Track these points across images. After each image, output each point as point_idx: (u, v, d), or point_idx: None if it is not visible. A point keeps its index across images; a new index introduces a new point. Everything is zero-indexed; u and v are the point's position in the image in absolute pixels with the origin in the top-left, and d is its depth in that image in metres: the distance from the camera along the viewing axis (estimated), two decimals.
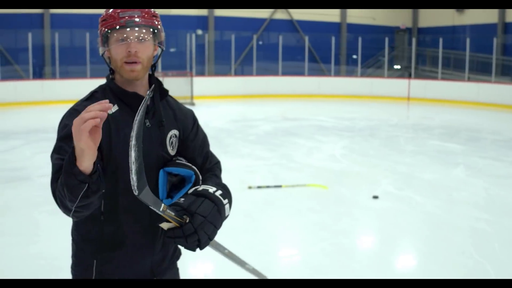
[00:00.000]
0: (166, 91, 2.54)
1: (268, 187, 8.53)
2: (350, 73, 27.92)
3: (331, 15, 29.05)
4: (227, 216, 2.32)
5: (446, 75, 25.60)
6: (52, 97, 21.00)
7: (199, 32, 26.34)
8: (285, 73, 26.21)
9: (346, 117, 17.79)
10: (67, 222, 6.82)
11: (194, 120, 2.66)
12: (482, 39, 25.28)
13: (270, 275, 5.27)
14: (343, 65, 28.90)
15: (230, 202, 2.35)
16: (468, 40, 24.17)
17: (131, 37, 2.32)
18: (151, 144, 2.38)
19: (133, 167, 1.90)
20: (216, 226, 2.24)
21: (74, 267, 2.53)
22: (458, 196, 8.44)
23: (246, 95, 24.21)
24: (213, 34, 26.92)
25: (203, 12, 26.66)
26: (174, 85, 21.00)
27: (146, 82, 2.47)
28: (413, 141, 13.76)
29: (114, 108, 1.76)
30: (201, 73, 25.65)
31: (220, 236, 6.63)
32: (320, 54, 27.31)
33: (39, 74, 23.84)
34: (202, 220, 2.17)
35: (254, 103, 22.23)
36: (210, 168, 2.64)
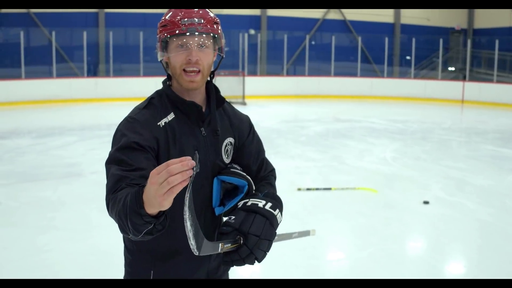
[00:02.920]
0: (223, 100, 2.48)
1: (317, 189, 8.48)
2: (403, 75, 27.63)
3: (384, 15, 28.77)
4: (280, 222, 2.27)
5: (502, 78, 25.10)
6: (106, 95, 21.36)
7: (252, 31, 26.39)
8: (338, 73, 26.08)
9: (398, 119, 17.60)
10: None
11: (250, 126, 2.61)
12: None
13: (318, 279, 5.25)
14: (396, 66, 28.61)
15: (281, 211, 2.30)
16: None
17: (192, 44, 2.27)
18: (207, 153, 2.36)
19: (190, 235, 1.85)
20: (271, 239, 2.19)
21: (129, 277, 2.51)
22: (511, 203, 8.25)
23: (298, 95, 24.18)
24: (265, 34, 26.94)
25: (256, 12, 26.70)
26: (226, 85, 21.10)
27: (203, 89, 2.43)
28: (467, 146, 13.55)
29: (196, 169, 1.73)
30: (253, 72, 25.70)
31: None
32: (373, 54, 27.09)
33: (93, 72, 24.23)
34: (257, 240, 2.13)
35: (306, 104, 22.18)
36: (265, 176, 2.58)
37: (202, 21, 2.28)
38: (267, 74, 26.40)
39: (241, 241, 2.14)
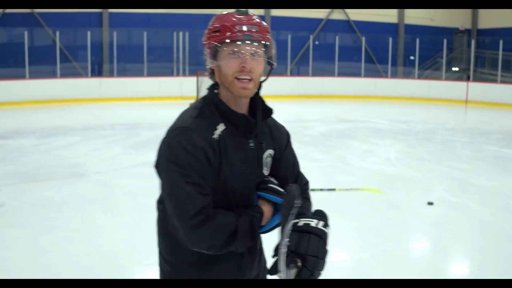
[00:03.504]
0: (270, 110, 2.42)
1: (321, 190, 8.47)
2: (407, 75, 27.59)
3: (388, 15, 28.74)
4: None
5: (506, 78, 25.02)
6: (109, 95, 21.38)
7: None
8: (341, 73, 26.06)
9: (402, 120, 17.58)
10: (120, 219, 6.96)
11: (288, 137, 2.56)
12: None
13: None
14: (400, 66, 28.58)
15: (328, 226, 2.25)
16: None
17: (245, 52, 2.22)
18: (254, 166, 2.35)
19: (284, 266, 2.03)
20: (325, 258, 2.17)
21: None
22: None
23: (302, 95, 24.17)
24: None
25: (259, 12, 26.67)
26: None
27: (248, 99, 2.36)
28: (470, 146, 13.54)
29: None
30: None
31: (272, 239, 6.67)
32: (376, 55, 27.06)
33: (97, 72, 24.25)
34: (316, 261, 2.10)
35: (310, 104, 22.17)
36: (302, 190, 2.46)
37: (258, 29, 2.24)
38: (271, 74, 26.35)
39: (300, 263, 2.09)
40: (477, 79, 26.35)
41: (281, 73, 26.23)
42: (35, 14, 22.83)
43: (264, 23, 2.29)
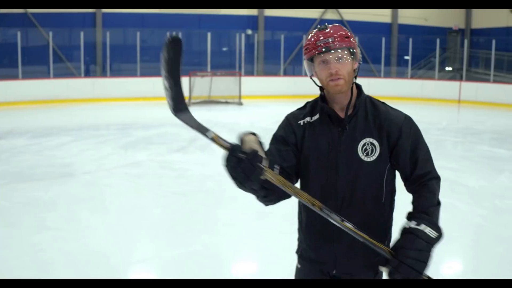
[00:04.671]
0: (359, 104, 2.78)
1: None
2: (401, 75, 27.66)
3: (382, 15, 28.81)
4: (437, 236, 2.56)
5: (499, 78, 25.12)
6: (103, 95, 21.39)
7: (249, 31, 26.44)
8: None
9: None
10: (107, 219, 6.99)
11: (400, 127, 2.75)
12: None
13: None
14: (393, 66, 28.65)
15: (431, 225, 2.54)
16: None
17: (330, 59, 2.63)
18: (338, 149, 2.72)
19: (167, 94, 2.39)
20: (420, 249, 2.47)
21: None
22: (502, 204, 8.29)
23: (295, 95, 24.12)
24: (263, 34, 26.99)
25: (253, 12, 26.74)
26: (223, 85, 21.16)
27: (349, 93, 2.74)
28: (462, 146, 13.60)
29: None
30: (250, 72, 25.73)
31: (257, 237, 6.66)
32: (370, 55, 27.06)
33: (90, 72, 24.25)
34: (404, 251, 2.46)
35: (303, 104, 22.14)
36: (422, 181, 2.73)
37: (334, 38, 2.64)
38: (264, 74, 26.43)
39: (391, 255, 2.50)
40: (470, 78, 26.43)
41: (275, 73, 26.28)
42: (28, 14, 22.84)
43: (342, 31, 2.69)
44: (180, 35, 19.56)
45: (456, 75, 28.22)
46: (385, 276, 2.50)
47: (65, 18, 23.42)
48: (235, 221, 7.21)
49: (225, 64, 24.92)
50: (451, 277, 5.58)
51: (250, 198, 8.15)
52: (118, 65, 24.33)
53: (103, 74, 23.98)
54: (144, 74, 23.34)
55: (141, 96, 21.68)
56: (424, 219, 2.55)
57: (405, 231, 2.52)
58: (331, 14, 28.07)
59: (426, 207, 2.62)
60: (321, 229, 2.75)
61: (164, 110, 12.38)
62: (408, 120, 2.79)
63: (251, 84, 23.43)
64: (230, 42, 26.18)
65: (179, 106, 2.45)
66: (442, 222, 5.11)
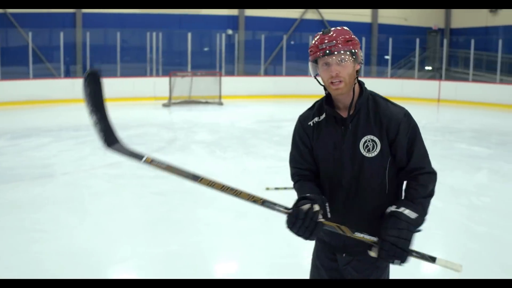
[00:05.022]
0: (360, 105, 2.98)
1: (285, 188, 8.54)
2: (381, 74, 27.75)
3: (362, 15, 28.91)
4: (417, 216, 2.82)
5: (478, 77, 25.31)
6: (83, 96, 21.20)
7: (230, 31, 26.44)
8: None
9: None
10: (86, 219, 6.95)
11: (399, 124, 2.92)
12: None
13: (281, 278, 5.32)
14: (373, 65, 28.75)
15: (410, 207, 2.81)
16: (500, 42, 23.88)
17: (331, 62, 2.85)
18: (344, 146, 2.96)
19: (96, 128, 2.69)
20: (400, 228, 2.74)
21: None
22: (478, 201, 8.38)
23: (276, 95, 24.20)
24: (243, 34, 27.00)
25: (233, 12, 26.74)
26: (203, 85, 21.15)
27: (351, 93, 2.95)
28: (440, 144, 13.68)
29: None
30: (231, 72, 25.72)
31: (236, 237, 6.69)
32: None
33: (70, 72, 24.13)
34: (385, 232, 2.74)
35: (284, 104, 22.16)
36: (413, 175, 2.94)
37: (335, 42, 2.84)
38: (245, 74, 26.42)
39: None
40: (449, 78, 26.61)
41: (255, 73, 26.30)
42: (7, 14, 22.69)
43: (345, 35, 2.88)
44: (160, 35, 19.48)
45: (435, 75, 28.39)
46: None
47: (44, 18, 23.28)
48: (214, 221, 7.23)
49: (206, 64, 24.90)
50: (428, 272, 5.61)
51: (229, 199, 8.17)
52: (99, 66, 24.19)
53: (83, 74, 23.81)
54: (124, 74, 23.26)
55: (121, 96, 21.51)
56: (404, 203, 2.85)
57: (386, 216, 2.81)
58: (311, 14, 28.14)
59: (414, 197, 2.87)
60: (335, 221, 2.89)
61: (143, 110, 12.48)
62: (407, 116, 2.97)
63: (232, 84, 23.43)
64: (211, 42, 26.17)
65: (110, 138, 2.71)
66: None
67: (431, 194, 2.92)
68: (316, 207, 2.72)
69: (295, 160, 3.15)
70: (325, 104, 3.03)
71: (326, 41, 2.86)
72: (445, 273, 5.58)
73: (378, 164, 2.93)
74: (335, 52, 2.83)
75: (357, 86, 2.98)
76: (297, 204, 2.79)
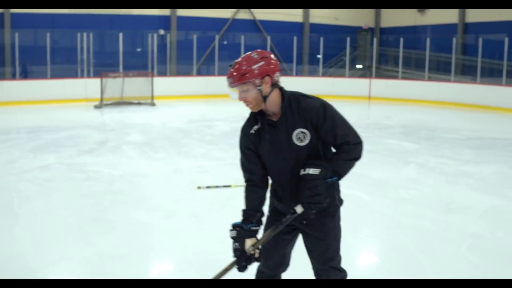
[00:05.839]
0: (285, 107, 3.52)
1: (217, 187, 8.55)
2: (312, 73, 28.04)
3: (293, 15, 29.17)
4: (321, 171, 3.40)
5: (407, 75, 25.88)
6: (12, 98, 20.69)
7: (161, 32, 26.26)
8: None
9: None
10: (15, 223, 6.80)
11: (317, 113, 3.46)
12: (443, 39, 25.65)
13: (213, 275, 5.30)
14: (305, 64, 29.04)
15: (313, 165, 3.42)
16: (428, 40, 24.44)
17: (237, 90, 3.44)
18: (279, 141, 3.55)
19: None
20: (309, 187, 3.39)
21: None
22: (405, 194, 8.55)
23: (209, 95, 24.14)
24: (175, 34, 26.85)
25: (165, 12, 26.58)
26: (135, 86, 20.93)
27: (276, 100, 3.52)
28: (370, 140, 13.85)
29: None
30: (163, 73, 25.53)
31: (165, 236, 6.62)
32: (282, 53, 27.30)
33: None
34: (300, 194, 3.46)
35: (216, 103, 22.10)
36: (340, 147, 3.55)
37: (232, 80, 3.41)
38: (177, 74, 26.28)
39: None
40: (380, 75, 27.15)
41: (188, 73, 26.19)
42: None
43: (243, 68, 3.39)
44: (91, 36, 19.13)
45: (366, 73, 28.85)
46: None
47: None
48: (144, 221, 7.17)
49: (138, 65, 24.68)
50: (352, 264, 5.67)
51: (159, 198, 8.22)
52: (28, 67, 23.70)
53: (11, 76, 23.32)
54: (54, 76, 22.81)
55: (52, 98, 21.12)
56: (307, 164, 3.46)
57: (299, 180, 3.46)
58: (243, 13, 28.23)
59: (333, 159, 3.55)
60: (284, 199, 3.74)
61: (75, 111, 12.27)
62: (323, 106, 3.50)
63: (164, 84, 23.26)
64: (143, 42, 25.95)
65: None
66: (348, 213, 5.29)
67: (355, 158, 3.55)
68: (248, 247, 3.60)
69: (244, 165, 3.73)
70: (258, 115, 3.56)
71: (228, 76, 3.42)
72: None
73: (312, 149, 3.52)
74: (235, 87, 3.41)
75: (278, 94, 3.51)
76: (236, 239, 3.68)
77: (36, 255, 5.93)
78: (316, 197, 3.38)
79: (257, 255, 3.58)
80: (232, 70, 3.41)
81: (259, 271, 4.12)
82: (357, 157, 3.56)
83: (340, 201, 3.96)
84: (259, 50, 3.57)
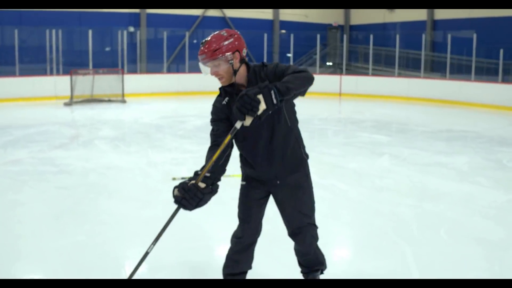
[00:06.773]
0: (251, 78, 3.83)
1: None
2: None
3: (264, 12, 29.20)
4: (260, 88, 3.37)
5: (377, 71, 26.08)
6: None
7: (131, 29, 26.10)
8: None
9: None
10: None
11: (274, 68, 3.81)
12: (412, 36, 25.86)
13: (191, 263, 5.27)
14: (275, 61, 29.00)
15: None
16: (398, 37, 24.64)
17: (209, 66, 3.73)
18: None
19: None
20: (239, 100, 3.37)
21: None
22: (381, 183, 8.60)
23: (179, 92, 24.07)
24: (145, 31, 26.71)
25: (135, 10, 26.40)
26: (105, 83, 20.77)
27: (243, 73, 3.83)
28: (342, 134, 13.95)
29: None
30: (133, 71, 25.36)
31: (141, 225, 6.56)
32: (253, 51, 27.25)
33: None
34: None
35: (187, 100, 22.09)
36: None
37: (204, 56, 3.66)
38: (148, 72, 26.14)
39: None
40: (350, 72, 27.30)
41: (158, 70, 26.06)
42: None
43: (214, 45, 3.66)
44: (60, 33, 18.96)
45: (336, 70, 29.00)
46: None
47: None
48: (118, 211, 7.11)
49: (108, 63, 24.45)
50: (332, 251, 5.66)
51: (133, 189, 8.14)
52: None
53: None
54: (23, 74, 22.50)
55: (21, 96, 20.84)
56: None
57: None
58: (213, 11, 28.18)
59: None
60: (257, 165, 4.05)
61: (44, 109, 12.13)
62: (276, 64, 3.85)
63: (134, 82, 23.13)
64: (112, 39, 25.75)
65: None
66: (326, 201, 5.25)
67: (304, 76, 3.56)
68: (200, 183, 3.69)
69: (213, 135, 3.93)
70: (228, 87, 3.83)
71: (200, 53, 3.68)
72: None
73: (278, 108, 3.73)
74: (208, 62, 3.68)
75: (245, 68, 3.82)
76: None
77: (9, 250, 5.79)
78: (244, 103, 3.30)
79: (202, 185, 3.65)
80: (204, 48, 3.67)
81: (237, 239, 4.39)
82: (306, 76, 3.59)
83: (306, 155, 4.19)
84: (226, 29, 3.88)
